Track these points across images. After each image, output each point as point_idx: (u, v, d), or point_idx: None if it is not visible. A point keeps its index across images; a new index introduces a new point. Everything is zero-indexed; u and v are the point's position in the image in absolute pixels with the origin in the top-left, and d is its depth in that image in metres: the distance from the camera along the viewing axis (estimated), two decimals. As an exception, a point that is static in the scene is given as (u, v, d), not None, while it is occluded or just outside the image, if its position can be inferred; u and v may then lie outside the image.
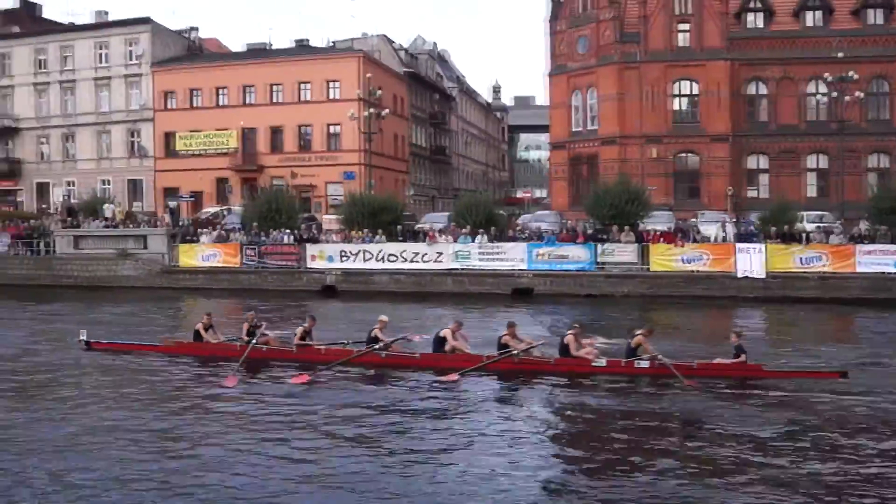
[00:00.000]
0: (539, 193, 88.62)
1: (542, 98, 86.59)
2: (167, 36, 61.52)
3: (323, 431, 12.75)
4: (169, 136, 58.69)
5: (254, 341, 17.77)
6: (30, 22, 66.01)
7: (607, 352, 17.09)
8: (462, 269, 32.61)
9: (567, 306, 28.42)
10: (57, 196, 59.10)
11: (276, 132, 56.61)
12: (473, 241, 32.99)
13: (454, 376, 15.31)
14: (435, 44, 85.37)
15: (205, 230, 38.80)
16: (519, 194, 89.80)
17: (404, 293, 32.00)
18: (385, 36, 69.27)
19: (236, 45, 73.07)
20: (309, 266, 34.79)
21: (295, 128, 56.31)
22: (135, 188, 59.77)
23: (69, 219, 43.87)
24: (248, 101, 57.16)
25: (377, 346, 17.17)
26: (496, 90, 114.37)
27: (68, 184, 60.66)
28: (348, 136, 53.84)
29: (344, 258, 34.33)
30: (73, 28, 63.14)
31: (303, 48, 61.45)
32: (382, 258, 33.74)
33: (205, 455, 11.50)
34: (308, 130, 56.24)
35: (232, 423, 13.30)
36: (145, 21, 59.74)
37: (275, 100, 56.65)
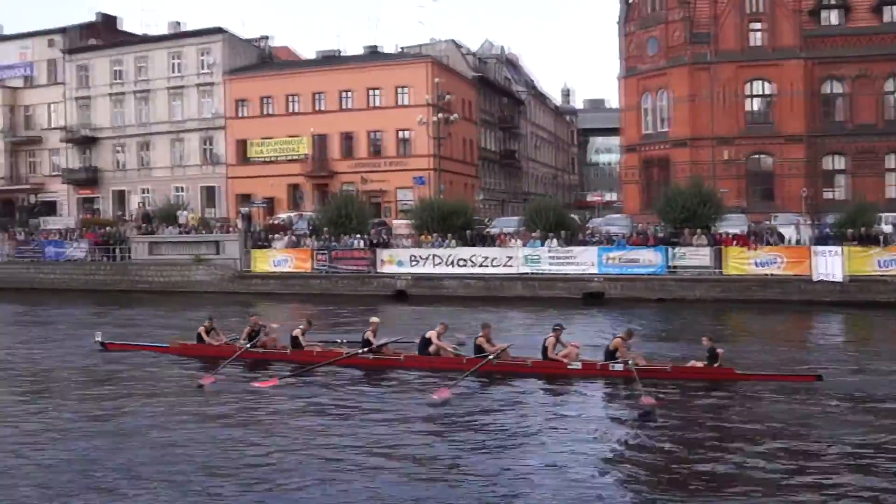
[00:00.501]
0: (610, 197, 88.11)
1: (614, 101, 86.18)
2: (239, 45, 62.82)
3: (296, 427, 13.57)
4: (242, 144, 59.86)
5: (248, 345, 18.90)
6: (108, 35, 67.85)
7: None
8: (532, 273, 32.75)
9: (638, 311, 28.32)
10: (133, 203, 60.63)
11: (347, 138, 57.32)
12: (544, 245, 33.15)
13: (446, 393, 14.73)
14: (503, 48, 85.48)
15: (277, 236, 39.55)
16: (590, 198, 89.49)
17: (474, 297, 32.23)
18: (454, 41, 69.67)
19: (307, 52, 74.03)
20: (380, 271, 35.28)
21: (366, 133, 56.93)
22: (209, 195, 61.09)
23: (145, 225, 45.09)
24: (319, 108, 57.99)
25: (363, 350, 17.89)
26: (567, 93, 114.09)
27: (144, 191, 62.23)
28: (418, 141, 54.34)
29: (414, 263, 34.75)
30: (148, 39, 64.84)
31: (373, 54, 62.14)
32: (453, 262, 34.06)
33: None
34: (378, 136, 56.82)
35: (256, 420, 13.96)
36: (218, 31, 61.02)
37: (346, 106, 57.37)
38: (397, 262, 35.11)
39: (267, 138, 58.83)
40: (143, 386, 16.95)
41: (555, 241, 33.19)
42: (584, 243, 33.71)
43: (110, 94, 63.98)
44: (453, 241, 34.90)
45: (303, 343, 18.70)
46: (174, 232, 42.55)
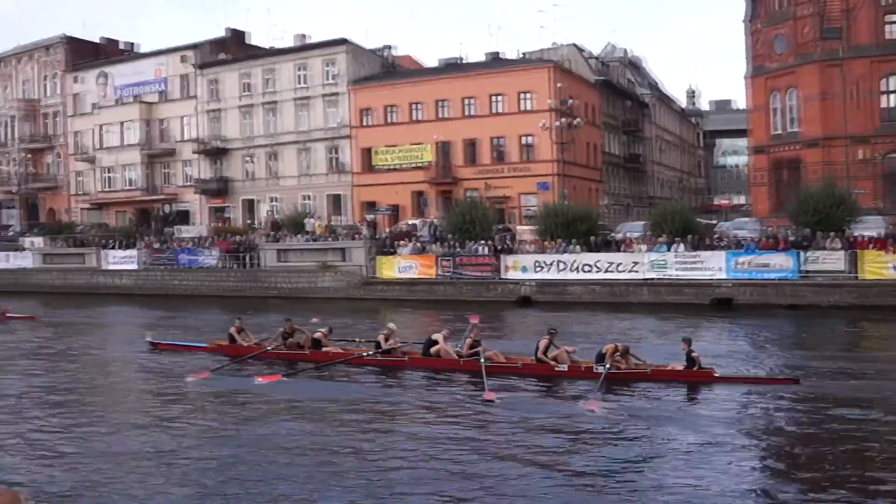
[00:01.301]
0: (738, 200, 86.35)
1: (740, 101, 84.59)
2: (363, 55, 64.27)
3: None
4: (367, 152, 61.22)
5: (271, 346, 21.26)
6: (237, 49, 70.52)
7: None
8: (658, 278, 32.58)
9: (769, 317, 27.89)
10: (262, 212, 62.81)
11: (470, 145, 57.96)
12: (670, 249, 32.91)
13: (491, 395, 15.58)
14: (626, 50, 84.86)
15: (402, 242, 40.37)
16: (717, 201, 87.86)
17: (600, 303, 32.28)
18: (576, 45, 69.59)
19: (430, 60, 75.16)
20: (504, 277, 35.59)
21: (489, 140, 57.43)
22: (335, 203, 62.62)
23: (274, 233, 46.65)
24: (442, 116, 58.88)
25: (370, 353, 19.87)
26: (692, 95, 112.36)
27: (273, 200, 64.35)
28: (542, 146, 54.54)
29: (539, 269, 34.95)
30: (275, 52, 66.98)
31: (495, 61, 62.71)
32: (577, 268, 34.13)
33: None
34: (502, 142, 57.28)
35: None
36: (342, 42, 62.53)
37: (469, 113, 58.04)
38: (521, 267, 35.38)
39: (391, 146, 60.08)
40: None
41: (681, 245, 32.93)
42: (712, 248, 33.29)
43: (239, 107, 66.47)
44: (578, 247, 34.97)
45: (324, 345, 20.71)
46: (302, 239, 43.93)
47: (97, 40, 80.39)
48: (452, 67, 63.01)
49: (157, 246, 48.77)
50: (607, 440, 13.04)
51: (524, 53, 65.33)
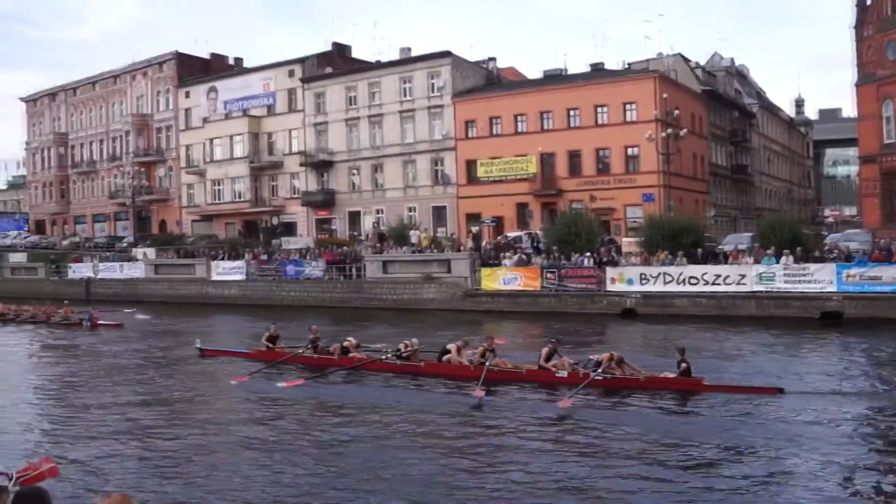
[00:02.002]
0: (848, 211, 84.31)
1: (849, 110, 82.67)
2: (466, 68, 65.29)
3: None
4: (470, 164, 62.04)
5: (300, 350, 23.48)
6: (342, 63, 72.41)
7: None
8: (766, 291, 32.29)
9: (879, 332, 27.35)
10: (367, 223, 64.12)
11: (574, 156, 58.19)
12: (778, 262, 32.66)
13: (480, 392, 17.72)
14: (733, 60, 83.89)
15: (506, 254, 40.85)
16: (826, 212, 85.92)
17: (705, 316, 32.08)
18: (681, 55, 69.19)
19: (533, 72, 75.67)
20: (608, 289, 35.60)
21: (593, 151, 57.58)
22: (438, 214, 63.60)
23: (378, 245, 47.67)
24: (546, 127, 59.29)
25: (388, 357, 21.76)
26: (799, 104, 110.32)
27: (377, 211, 65.63)
28: (646, 157, 54.50)
29: (644, 281, 34.89)
30: (379, 66, 68.49)
31: (598, 72, 62.85)
32: (683, 281, 34.01)
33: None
34: (606, 153, 57.37)
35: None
36: (446, 55, 63.57)
37: (572, 124, 58.33)
38: (626, 280, 35.34)
39: (495, 158, 60.77)
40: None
41: (789, 258, 32.64)
42: (821, 260, 32.86)
43: (345, 120, 68.11)
44: (683, 259, 34.94)
45: (351, 351, 22.65)
46: (406, 251, 44.84)
47: (207, 56, 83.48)
48: (556, 79, 63.44)
49: (263, 257, 50.32)
50: (590, 439, 14.45)
51: (628, 64, 65.25)
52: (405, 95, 65.02)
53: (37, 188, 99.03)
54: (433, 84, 63.81)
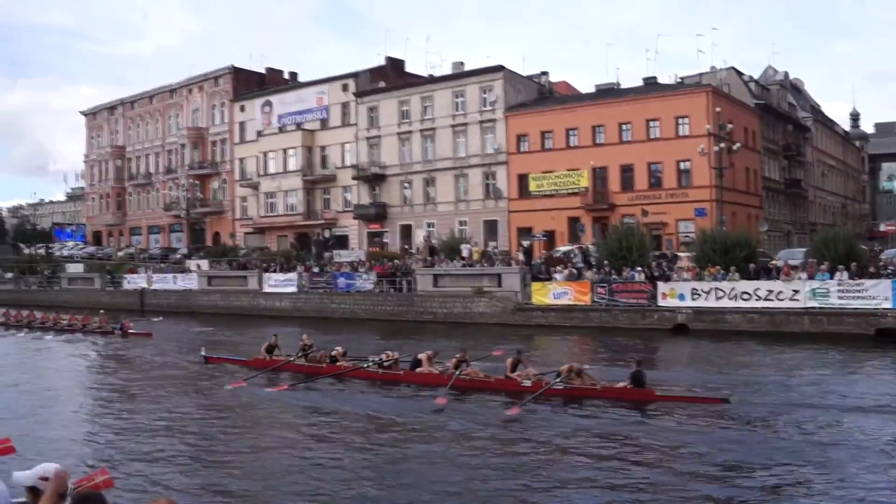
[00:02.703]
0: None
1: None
2: (519, 82, 65.69)
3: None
4: (522, 178, 62.32)
5: (291, 358, 25.45)
6: (395, 77, 73.28)
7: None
8: (819, 307, 31.90)
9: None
10: (419, 237, 64.51)
11: (626, 170, 58.16)
12: (832, 278, 32.36)
13: (443, 400, 18.95)
14: (787, 73, 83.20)
15: (557, 268, 40.94)
16: (882, 227, 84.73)
17: (758, 332, 31.83)
18: (734, 68, 68.89)
19: (585, 86, 75.74)
20: (660, 304, 35.46)
21: (645, 165, 57.51)
22: (490, 228, 63.87)
23: (430, 258, 48.01)
24: (598, 141, 59.35)
25: (369, 365, 23.54)
26: (855, 117, 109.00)
27: (429, 225, 66.23)
28: (699, 171, 54.23)
29: (695, 296, 34.65)
30: (432, 80, 69.20)
31: (650, 86, 62.70)
32: (735, 296, 33.71)
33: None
34: (658, 167, 57.26)
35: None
36: (498, 69, 63.97)
37: (625, 138, 58.35)
38: (678, 295, 35.13)
39: (547, 172, 60.98)
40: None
41: (844, 273, 32.33)
42: (877, 276, 32.44)
43: (398, 133, 68.88)
44: (736, 275, 34.69)
45: (338, 360, 24.53)
46: (457, 265, 45.06)
47: (262, 70, 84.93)
48: (608, 93, 63.53)
49: (315, 270, 50.85)
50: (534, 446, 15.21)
51: (681, 78, 65.18)
52: (458, 109, 65.58)
53: (94, 200, 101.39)
54: (486, 98, 64.26)
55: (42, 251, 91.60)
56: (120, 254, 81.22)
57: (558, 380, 19.70)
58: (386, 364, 23.31)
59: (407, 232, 68.46)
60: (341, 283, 47.38)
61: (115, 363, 30.31)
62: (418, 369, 22.59)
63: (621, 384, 19.35)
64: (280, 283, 50.39)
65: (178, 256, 72.52)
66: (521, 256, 45.45)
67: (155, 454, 14.96)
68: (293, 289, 49.47)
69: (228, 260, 61.28)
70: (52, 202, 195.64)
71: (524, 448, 15.02)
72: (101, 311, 44.34)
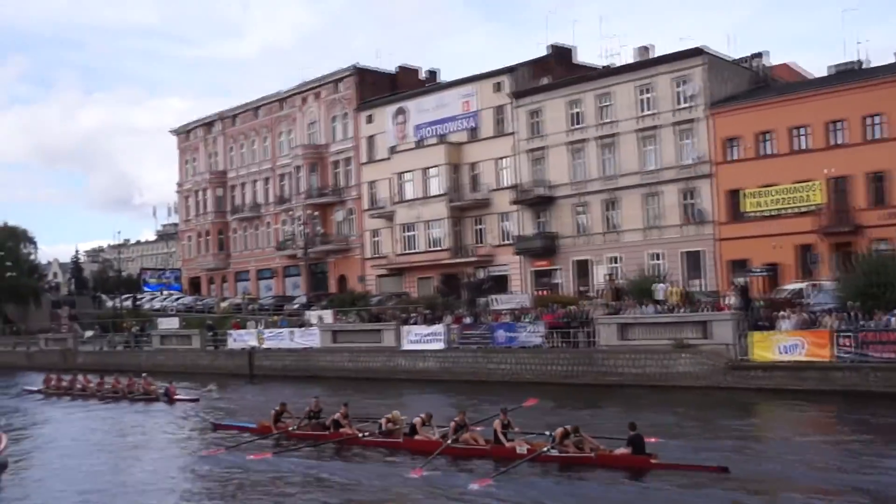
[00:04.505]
0: None
1: None
2: (725, 68, 64.64)
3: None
4: (733, 195, 60.96)
5: (290, 426, 30.34)
6: (562, 71, 73.25)
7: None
8: None
9: None
10: (599, 275, 64.18)
11: (876, 179, 56.17)
12: None
13: (419, 472, 22.83)
14: None
15: (783, 313, 39.79)
16: None
17: None
18: None
19: (817, 68, 73.96)
20: (929, 359, 34.20)
21: (902, 172, 55.64)
22: (692, 262, 62.77)
23: (614, 303, 47.47)
24: (835, 142, 57.72)
25: (366, 434, 28.29)
26: None
27: (611, 260, 65.77)
28: (981, 179, 52.09)
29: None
30: (610, 72, 68.96)
31: (904, 63, 60.63)
32: None
33: None
34: (921, 175, 55.24)
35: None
36: (696, 53, 63.04)
37: (873, 136, 56.49)
38: (955, 347, 33.93)
39: (766, 186, 59.45)
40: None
41: None
42: None
43: (567, 143, 68.86)
44: None
45: (342, 425, 28.70)
46: (650, 311, 44.53)
47: (392, 70, 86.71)
48: (848, 75, 61.51)
49: (467, 320, 51.17)
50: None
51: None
52: (645, 109, 65.17)
53: (190, 239, 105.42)
54: (681, 92, 63.52)
55: (128, 303, 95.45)
56: (223, 305, 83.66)
57: (554, 446, 23.44)
58: (385, 429, 27.77)
59: (583, 269, 68.15)
60: (500, 337, 47.42)
61: (118, 430, 36.63)
62: (416, 436, 26.63)
63: (620, 451, 22.66)
64: (423, 339, 50.82)
65: (296, 307, 74.26)
66: (734, 298, 44.52)
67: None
68: (440, 345, 49.80)
69: (358, 310, 62.34)
70: (139, 243, 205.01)
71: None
72: (144, 374, 49.68)
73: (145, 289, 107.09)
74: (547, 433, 24.34)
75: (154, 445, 31.92)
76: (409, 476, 22.56)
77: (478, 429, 26.63)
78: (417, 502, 20.65)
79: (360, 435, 28.29)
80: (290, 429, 30.23)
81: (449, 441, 25.21)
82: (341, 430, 28.60)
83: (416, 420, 26.99)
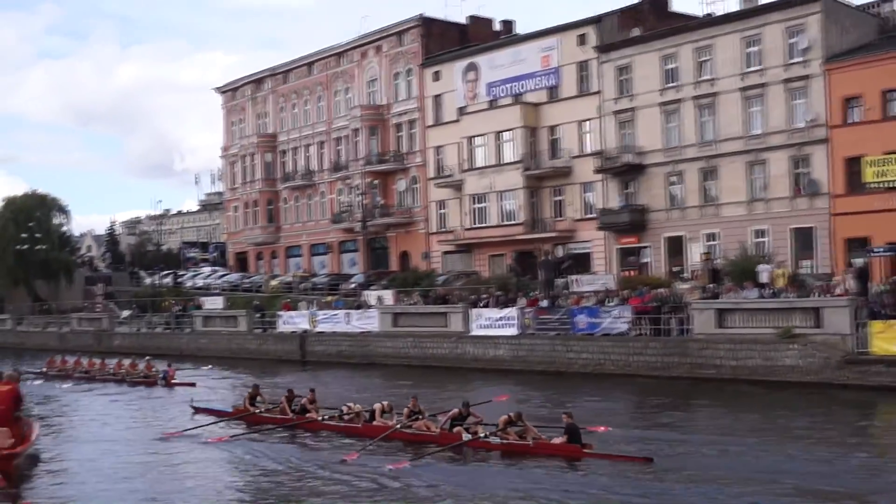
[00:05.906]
0: None
1: None
2: (846, 16, 63.28)
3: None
4: (852, 163, 59.76)
5: (257, 410, 33.76)
6: (656, 21, 72.27)
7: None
8: None
9: None
10: (694, 254, 63.54)
11: None
12: None
13: (353, 455, 25.63)
14: None
15: (910, 299, 38.90)
16: None
17: None
18: None
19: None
20: None
21: None
22: (802, 240, 61.84)
23: (711, 285, 46.79)
24: (980, 99, 56.64)
25: (325, 418, 31.47)
26: None
27: (709, 237, 65.13)
28: None
29: None
30: (710, 22, 67.93)
31: None
32: None
33: None
34: None
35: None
36: (813, -1, 62.03)
37: None
38: None
39: (891, 153, 58.11)
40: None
41: None
42: None
43: (660, 104, 68.16)
44: None
45: (308, 409, 31.97)
46: (752, 295, 43.94)
47: (463, 21, 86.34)
48: None
49: (544, 304, 50.78)
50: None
51: None
52: (750, 64, 64.15)
53: (237, 209, 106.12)
54: (794, 44, 62.26)
55: (168, 280, 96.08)
56: (272, 283, 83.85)
57: (497, 433, 26.14)
58: (346, 417, 30.62)
59: (676, 248, 67.71)
60: (581, 323, 46.94)
61: (99, 416, 38.89)
62: (374, 422, 29.76)
63: (557, 439, 25.34)
64: (494, 324, 50.48)
65: (353, 286, 74.23)
66: (851, 282, 43.56)
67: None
68: (513, 330, 49.40)
69: (422, 290, 62.37)
70: (180, 213, 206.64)
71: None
72: (147, 357, 53.15)
73: (188, 263, 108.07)
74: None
75: (118, 426, 35.10)
76: (342, 459, 25.29)
77: (440, 417, 28.66)
78: (330, 483, 22.95)
79: (321, 419, 31.39)
80: (257, 412, 33.46)
81: (398, 426, 28.40)
82: (307, 414, 31.70)
83: (377, 406, 30.29)
